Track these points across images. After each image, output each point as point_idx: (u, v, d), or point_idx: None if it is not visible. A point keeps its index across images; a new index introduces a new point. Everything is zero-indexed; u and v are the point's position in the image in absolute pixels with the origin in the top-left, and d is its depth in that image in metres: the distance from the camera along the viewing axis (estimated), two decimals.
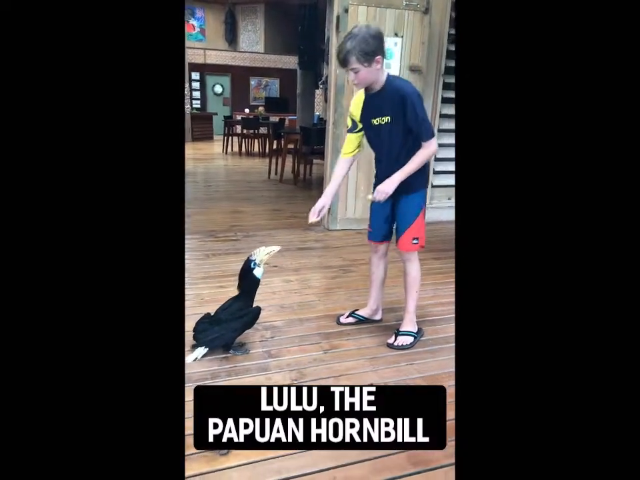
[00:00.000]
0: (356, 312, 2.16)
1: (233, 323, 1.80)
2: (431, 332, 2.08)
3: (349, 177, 3.54)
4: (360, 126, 1.87)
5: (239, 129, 9.33)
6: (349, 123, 1.91)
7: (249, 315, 1.85)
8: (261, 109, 10.35)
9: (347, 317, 2.15)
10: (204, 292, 2.44)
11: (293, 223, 3.95)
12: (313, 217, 1.84)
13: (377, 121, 1.79)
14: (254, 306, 1.89)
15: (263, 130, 9.13)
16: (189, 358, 1.76)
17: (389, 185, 1.75)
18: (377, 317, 2.17)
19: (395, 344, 1.94)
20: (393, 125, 1.76)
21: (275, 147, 6.85)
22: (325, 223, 3.76)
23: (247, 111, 11.97)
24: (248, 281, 1.87)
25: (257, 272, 1.86)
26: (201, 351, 1.79)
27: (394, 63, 3.44)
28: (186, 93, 11.41)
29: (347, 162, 1.95)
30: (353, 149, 1.93)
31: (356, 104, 1.86)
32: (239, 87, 13.11)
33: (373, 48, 1.63)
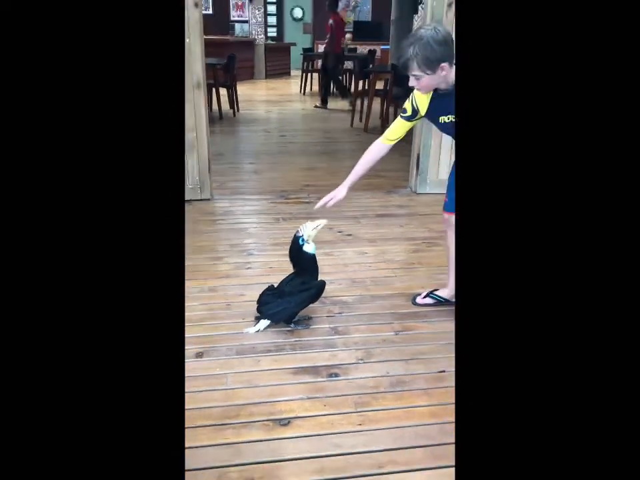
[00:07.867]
0: (435, 292, 2.05)
1: (296, 297, 1.81)
2: None
3: None
4: (420, 116, 1.75)
5: (319, 62, 8.81)
6: (409, 109, 1.75)
7: (313, 289, 1.84)
8: (348, 36, 9.49)
9: (425, 297, 2.04)
10: (271, 260, 2.40)
11: (375, 183, 3.49)
12: (318, 206, 1.81)
13: (445, 119, 1.73)
14: (319, 279, 1.87)
15: (349, 64, 8.60)
16: (251, 329, 1.83)
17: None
18: None
19: None
20: None
21: (360, 87, 6.21)
22: (412, 186, 3.45)
23: None
24: (302, 260, 1.85)
25: (308, 248, 1.83)
26: (264, 323, 1.84)
27: None
28: (260, 20, 10.64)
29: (386, 149, 1.82)
30: (399, 136, 1.80)
31: (424, 97, 1.72)
32: (323, 10, 12.18)
33: (437, 56, 1.52)
